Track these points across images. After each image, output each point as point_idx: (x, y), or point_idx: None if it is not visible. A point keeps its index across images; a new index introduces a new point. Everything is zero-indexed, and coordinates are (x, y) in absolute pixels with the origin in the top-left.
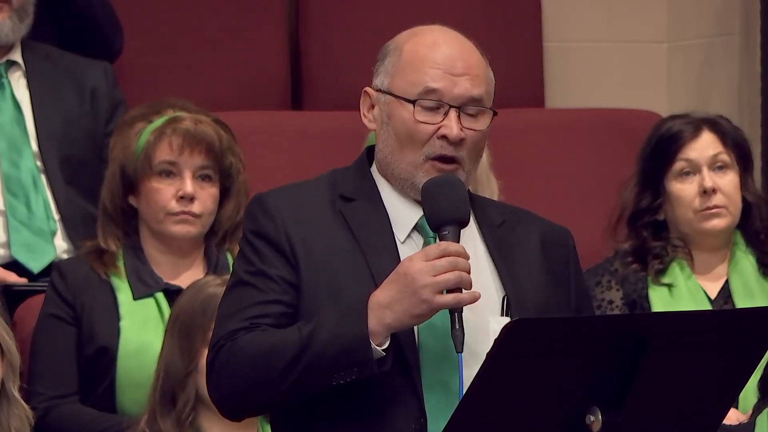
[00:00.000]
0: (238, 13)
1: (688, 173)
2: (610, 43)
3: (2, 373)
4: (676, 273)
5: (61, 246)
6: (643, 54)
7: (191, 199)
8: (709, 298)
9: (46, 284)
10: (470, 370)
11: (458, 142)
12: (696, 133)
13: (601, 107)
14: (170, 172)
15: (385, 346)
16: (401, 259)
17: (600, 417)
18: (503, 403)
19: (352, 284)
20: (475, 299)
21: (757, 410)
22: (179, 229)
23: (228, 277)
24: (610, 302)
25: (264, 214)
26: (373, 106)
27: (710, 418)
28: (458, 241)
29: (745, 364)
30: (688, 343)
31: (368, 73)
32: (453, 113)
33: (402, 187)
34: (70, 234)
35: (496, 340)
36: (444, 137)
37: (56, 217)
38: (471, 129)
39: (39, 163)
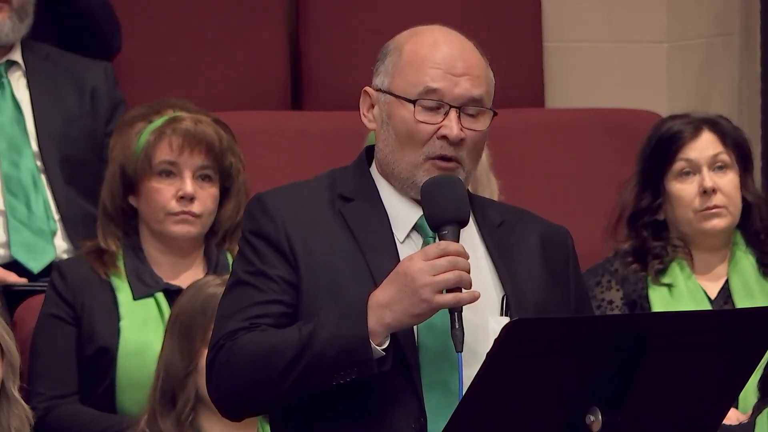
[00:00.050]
0: (238, 13)
1: (688, 173)
2: (610, 43)
3: (2, 373)
4: (676, 273)
5: (61, 246)
6: (643, 54)
7: (191, 199)
8: (709, 298)
9: (46, 284)
10: (470, 369)
11: (458, 142)
12: (696, 133)
13: (601, 107)
14: (170, 172)
15: (385, 345)
16: (401, 258)
17: (600, 417)
18: (503, 403)
19: (351, 284)
20: (474, 299)
21: (757, 410)
22: (179, 229)
23: (228, 277)
24: (610, 302)
25: (264, 214)
26: (372, 106)
27: (710, 418)
28: (458, 241)
29: (745, 364)
30: (688, 343)
31: (368, 73)
32: (453, 113)
33: (402, 187)
34: (70, 234)
35: (496, 340)
36: (444, 137)
37: (56, 217)
38: (471, 129)
39: (39, 163)
